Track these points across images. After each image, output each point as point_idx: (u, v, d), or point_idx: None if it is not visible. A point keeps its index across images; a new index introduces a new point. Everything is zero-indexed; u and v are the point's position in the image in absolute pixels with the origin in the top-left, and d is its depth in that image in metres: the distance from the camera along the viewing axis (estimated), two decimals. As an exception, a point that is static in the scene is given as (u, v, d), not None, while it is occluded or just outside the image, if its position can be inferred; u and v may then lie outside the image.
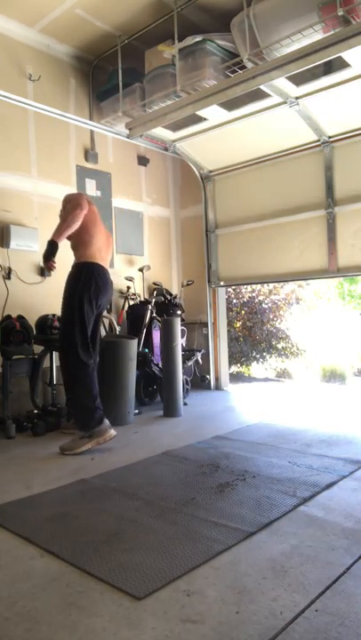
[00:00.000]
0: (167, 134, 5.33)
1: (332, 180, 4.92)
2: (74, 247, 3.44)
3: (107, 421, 3.35)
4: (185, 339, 5.53)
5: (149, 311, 5.15)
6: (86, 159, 5.19)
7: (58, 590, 1.63)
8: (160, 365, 4.69)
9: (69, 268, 3.43)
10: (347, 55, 3.68)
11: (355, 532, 1.99)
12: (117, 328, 4.99)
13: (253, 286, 7.99)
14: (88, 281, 3.30)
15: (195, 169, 5.86)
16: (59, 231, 3.25)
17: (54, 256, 3.24)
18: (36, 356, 4.06)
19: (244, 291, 8.16)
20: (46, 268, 3.30)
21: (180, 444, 3.41)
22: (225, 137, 5.18)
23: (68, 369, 3.32)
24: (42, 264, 4.51)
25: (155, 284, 5.65)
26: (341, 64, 3.88)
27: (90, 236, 3.38)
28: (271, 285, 8.00)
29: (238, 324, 8.14)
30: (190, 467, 2.90)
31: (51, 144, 4.87)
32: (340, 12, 3.32)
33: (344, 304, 9.55)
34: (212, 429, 3.85)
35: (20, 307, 4.26)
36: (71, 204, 3.32)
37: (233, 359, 7.91)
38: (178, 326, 4.49)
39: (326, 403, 5.12)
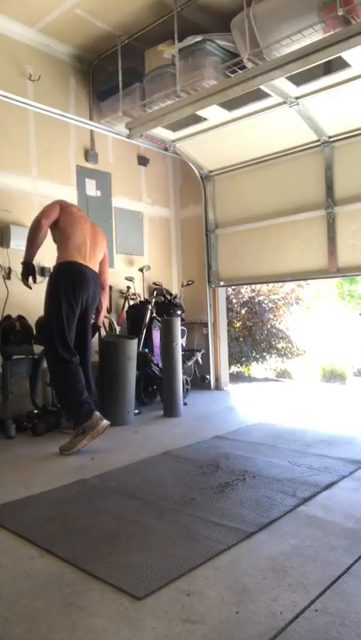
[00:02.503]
0: (167, 134, 5.33)
1: (332, 179, 4.91)
2: (57, 250, 3.55)
3: (97, 413, 3.32)
4: (185, 339, 5.53)
5: (149, 311, 5.14)
6: (86, 159, 5.19)
7: (58, 590, 1.63)
8: (160, 365, 4.69)
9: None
10: (347, 55, 3.68)
11: (355, 531, 1.99)
12: (117, 328, 4.99)
13: (253, 286, 7.99)
14: (63, 280, 3.40)
15: (195, 169, 5.86)
16: (25, 251, 3.45)
17: (31, 275, 3.47)
18: (36, 356, 4.06)
19: (243, 291, 8.16)
20: (26, 286, 3.51)
21: (180, 444, 3.41)
22: (225, 137, 5.18)
23: (52, 367, 3.41)
24: (43, 264, 4.55)
25: (155, 283, 5.64)
26: (341, 64, 3.89)
27: (66, 237, 3.49)
28: (271, 285, 8.00)
29: (238, 324, 8.14)
30: (190, 467, 2.90)
31: (51, 144, 4.86)
32: (340, 12, 3.32)
33: (344, 304, 9.55)
34: (211, 429, 3.85)
35: (20, 307, 4.25)
36: (33, 220, 3.46)
37: (233, 359, 7.91)
38: (178, 326, 4.49)
39: (326, 403, 5.12)
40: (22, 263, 3.48)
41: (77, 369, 3.37)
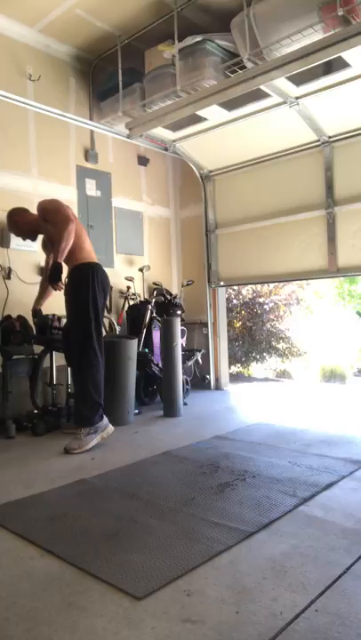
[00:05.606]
0: (167, 134, 5.33)
1: (332, 179, 4.91)
2: (74, 251, 3.51)
3: (105, 417, 3.49)
4: (185, 339, 5.53)
5: (149, 311, 5.14)
6: (86, 159, 5.18)
7: (58, 590, 1.63)
8: (160, 365, 4.69)
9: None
10: (347, 55, 3.67)
11: (355, 531, 1.99)
12: (117, 328, 4.99)
13: (254, 287, 7.98)
14: (94, 278, 3.45)
15: (195, 169, 5.86)
16: (62, 253, 3.36)
17: (61, 278, 3.42)
18: (36, 356, 4.06)
19: (245, 292, 8.15)
20: (55, 289, 3.47)
21: (180, 444, 3.41)
22: (225, 137, 5.18)
23: (84, 364, 3.41)
24: (42, 264, 4.55)
25: (155, 283, 5.64)
26: (341, 64, 3.88)
27: (82, 240, 3.53)
28: (272, 286, 8.00)
29: (238, 324, 8.13)
30: (190, 467, 2.90)
31: (51, 144, 4.86)
32: (341, 12, 3.32)
33: (344, 304, 9.54)
34: (212, 429, 3.85)
35: (20, 307, 4.25)
36: (62, 217, 3.39)
37: (233, 359, 7.90)
38: (178, 326, 4.49)
39: (326, 403, 5.12)
40: (55, 264, 3.34)
41: (103, 369, 3.47)
